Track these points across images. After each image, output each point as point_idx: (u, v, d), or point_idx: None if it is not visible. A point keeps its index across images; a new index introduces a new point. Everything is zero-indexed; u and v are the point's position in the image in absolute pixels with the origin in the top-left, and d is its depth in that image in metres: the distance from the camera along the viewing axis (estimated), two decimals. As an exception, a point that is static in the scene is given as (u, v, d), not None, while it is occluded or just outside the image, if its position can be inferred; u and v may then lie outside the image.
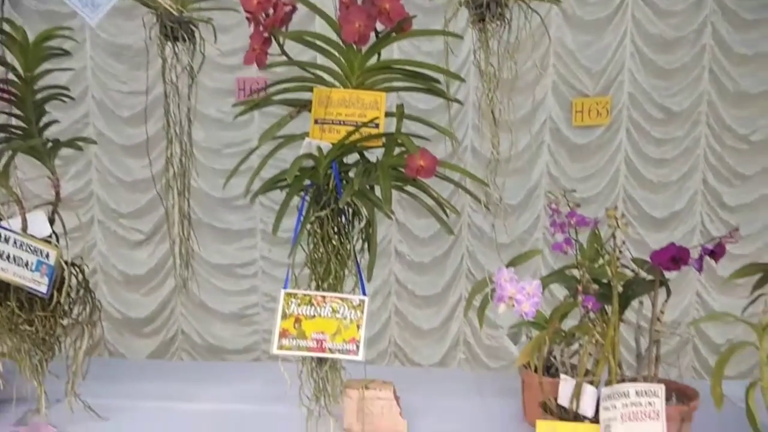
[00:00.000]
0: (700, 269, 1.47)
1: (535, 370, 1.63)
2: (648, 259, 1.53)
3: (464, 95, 3.43)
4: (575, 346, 1.66)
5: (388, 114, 1.52)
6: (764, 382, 1.26)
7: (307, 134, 1.49)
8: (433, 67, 1.49)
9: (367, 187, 1.50)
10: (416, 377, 2.22)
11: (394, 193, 1.45)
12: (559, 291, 1.84)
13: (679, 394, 1.61)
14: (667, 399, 1.50)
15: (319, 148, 1.46)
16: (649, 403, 1.47)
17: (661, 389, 1.48)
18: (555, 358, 1.65)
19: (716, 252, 1.43)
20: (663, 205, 3.52)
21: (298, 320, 1.47)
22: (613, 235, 1.45)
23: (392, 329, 3.70)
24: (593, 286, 1.54)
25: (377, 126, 1.49)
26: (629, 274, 1.61)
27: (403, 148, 1.48)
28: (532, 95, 3.55)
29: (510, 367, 3.35)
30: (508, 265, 1.63)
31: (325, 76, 1.52)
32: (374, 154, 1.56)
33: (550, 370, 1.70)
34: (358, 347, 1.46)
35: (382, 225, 3.74)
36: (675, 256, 1.39)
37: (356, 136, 1.47)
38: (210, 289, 3.60)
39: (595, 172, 3.56)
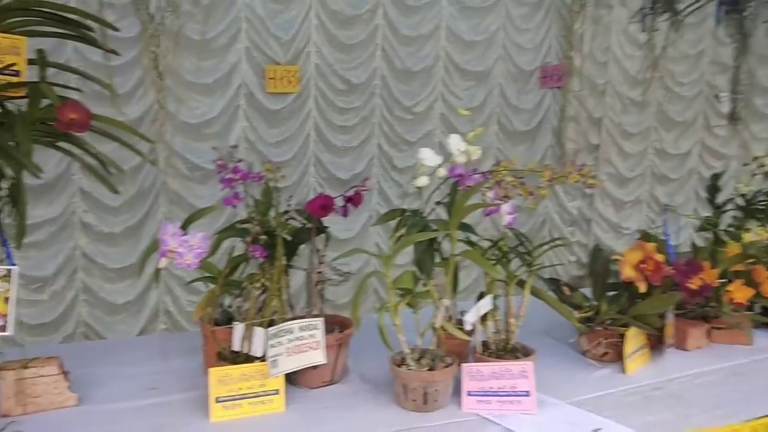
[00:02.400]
0: (344, 214, 1.71)
1: (216, 324, 1.70)
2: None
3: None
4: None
5: (32, 62, 1.38)
6: (390, 305, 1.54)
7: None
8: (81, 13, 1.39)
9: (12, 143, 1.34)
10: (96, 350, 2.08)
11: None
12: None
13: (341, 326, 1.85)
14: (330, 330, 1.72)
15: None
16: (311, 336, 1.65)
17: (320, 323, 1.67)
18: (230, 308, 1.73)
19: (354, 199, 1.68)
20: (346, 168, 3.92)
21: None
22: (276, 188, 1.58)
23: (80, 308, 3.39)
24: (263, 237, 1.66)
25: (18, 74, 1.34)
26: (298, 225, 1.78)
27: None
28: (224, 59, 3.56)
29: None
30: (186, 222, 1.65)
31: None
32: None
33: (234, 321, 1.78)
34: (6, 322, 1.32)
35: (63, 194, 3.37)
36: (323, 204, 1.59)
37: (-9, 83, 1.29)
38: None
39: (289, 137, 3.77)
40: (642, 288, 1.79)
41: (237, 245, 1.97)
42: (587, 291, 2.02)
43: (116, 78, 3.38)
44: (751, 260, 2.06)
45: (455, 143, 1.55)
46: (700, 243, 2.28)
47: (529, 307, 1.75)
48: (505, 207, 1.70)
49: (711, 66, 4.80)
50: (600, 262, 2.00)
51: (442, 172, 1.54)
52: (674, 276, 1.82)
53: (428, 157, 1.53)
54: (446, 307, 1.62)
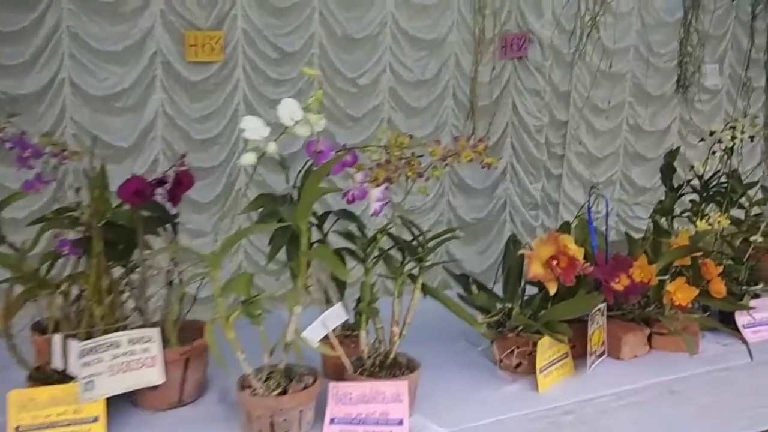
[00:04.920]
0: (172, 200, 1.36)
1: (44, 332, 1.38)
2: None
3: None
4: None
5: None
6: (218, 314, 1.21)
7: None
8: None
9: None
10: None
11: None
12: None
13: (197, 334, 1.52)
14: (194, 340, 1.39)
15: None
16: (144, 350, 1.34)
17: (155, 333, 1.36)
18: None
19: (180, 182, 1.34)
20: (283, 147, 3.54)
21: None
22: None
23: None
24: (79, 229, 1.33)
25: None
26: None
27: None
28: (136, 24, 3.19)
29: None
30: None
31: None
32: None
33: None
34: None
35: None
36: (137, 189, 1.24)
37: None
38: None
39: (215, 112, 3.40)
40: (552, 289, 1.45)
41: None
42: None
43: (12, 47, 3.02)
44: (699, 253, 1.72)
45: (288, 110, 1.19)
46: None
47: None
48: (375, 192, 1.35)
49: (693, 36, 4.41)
50: (514, 257, 1.65)
51: (272, 147, 1.19)
52: (593, 274, 1.47)
53: (252, 127, 1.17)
54: (298, 315, 1.28)
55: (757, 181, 2.14)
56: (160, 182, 1.30)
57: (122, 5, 3.13)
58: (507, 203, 4.17)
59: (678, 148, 2.11)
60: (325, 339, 1.31)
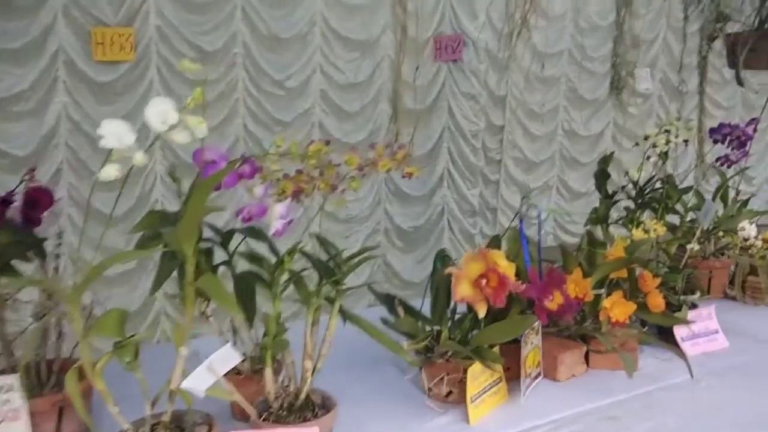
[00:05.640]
0: (24, 222, 1.14)
1: None
2: None
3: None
4: None
5: None
6: (83, 360, 0.99)
7: None
8: None
9: None
10: None
11: None
12: None
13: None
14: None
15: None
16: (5, 401, 1.13)
17: (15, 381, 1.14)
18: None
19: (34, 203, 1.12)
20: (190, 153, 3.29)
21: None
22: None
23: None
24: None
25: None
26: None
27: None
28: (35, 20, 2.88)
29: None
30: None
31: None
32: None
33: None
34: None
35: None
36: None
37: None
38: None
39: (125, 116, 3.09)
40: (481, 311, 1.30)
41: None
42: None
43: None
44: (635, 264, 1.62)
45: (159, 112, 0.99)
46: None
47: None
48: (276, 209, 1.16)
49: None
50: (443, 274, 1.50)
51: (139, 158, 0.99)
52: (525, 293, 1.34)
53: (113, 133, 0.96)
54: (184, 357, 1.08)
55: (692, 186, 2.09)
56: (4, 201, 1.07)
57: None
58: (445, 210, 4.06)
59: (611, 154, 2.02)
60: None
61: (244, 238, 1.32)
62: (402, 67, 3.68)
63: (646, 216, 1.99)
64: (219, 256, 1.29)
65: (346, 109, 3.67)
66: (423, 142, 3.90)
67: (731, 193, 2.20)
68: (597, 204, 2.03)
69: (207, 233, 1.26)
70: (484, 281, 1.29)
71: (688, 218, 2.07)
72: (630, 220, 1.98)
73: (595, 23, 4.34)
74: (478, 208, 4.13)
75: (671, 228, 2.02)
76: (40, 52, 2.91)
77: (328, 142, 1.32)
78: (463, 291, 1.30)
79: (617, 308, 1.49)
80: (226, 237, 1.32)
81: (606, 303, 1.50)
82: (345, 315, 1.32)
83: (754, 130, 1.94)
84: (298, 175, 1.29)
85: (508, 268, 1.31)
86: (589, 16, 4.31)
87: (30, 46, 2.87)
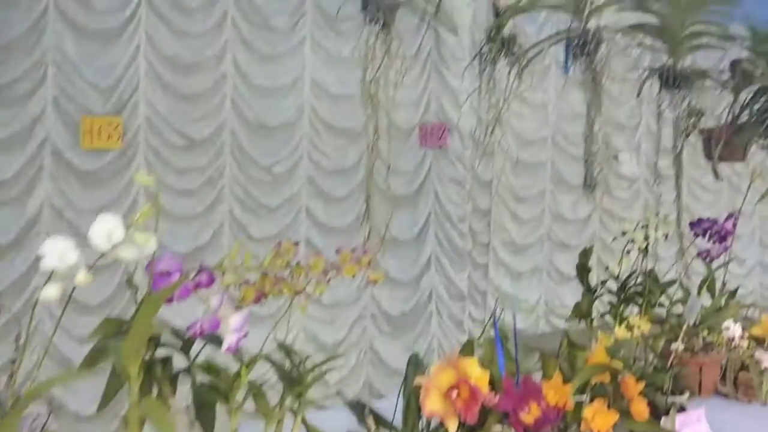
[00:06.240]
0: None
1: None
2: None
3: None
4: None
5: None
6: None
7: None
8: None
9: None
10: None
11: None
12: None
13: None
14: None
15: None
16: None
17: None
18: None
19: None
20: (187, 239, 3.28)
21: None
22: None
23: None
24: None
25: None
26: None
27: None
28: (24, 109, 2.93)
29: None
30: None
31: None
32: None
33: None
34: None
35: None
36: None
37: None
38: None
39: (110, 203, 3.11)
40: (452, 427, 1.23)
41: None
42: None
43: None
44: (617, 368, 1.55)
45: (104, 229, 0.96)
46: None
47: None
48: (231, 321, 1.11)
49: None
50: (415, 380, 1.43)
51: (82, 277, 0.94)
52: (499, 406, 1.27)
53: (55, 252, 0.93)
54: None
55: (675, 281, 2.05)
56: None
57: (9, 89, 2.88)
58: (433, 295, 4.00)
59: (591, 248, 2.01)
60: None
61: (204, 345, 1.27)
62: (382, 155, 3.72)
63: (630, 311, 1.95)
64: (180, 360, 1.23)
65: (334, 194, 3.69)
66: (409, 226, 3.89)
67: (718, 284, 2.16)
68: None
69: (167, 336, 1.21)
70: (455, 393, 1.22)
71: (674, 312, 2.02)
72: (613, 315, 1.93)
73: (576, 110, 4.45)
74: (467, 291, 4.06)
75: (658, 320, 1.97)
76: (26, 140, 2.94)
77: (297, 243, 1.30)
78: (431, 405, 1.23)
79: (599, 418, 1.42)
80: (186, 344, 1.26)
81: (587, 412, 1.42)
82: (309, 428, 1.24)
83: (734, 225, 1.93)
84: (262, 278, 1.26)
85: (480, 379, 1.25)
86: (571, 104, 4.42)
87: (17, 135, 2.91)
